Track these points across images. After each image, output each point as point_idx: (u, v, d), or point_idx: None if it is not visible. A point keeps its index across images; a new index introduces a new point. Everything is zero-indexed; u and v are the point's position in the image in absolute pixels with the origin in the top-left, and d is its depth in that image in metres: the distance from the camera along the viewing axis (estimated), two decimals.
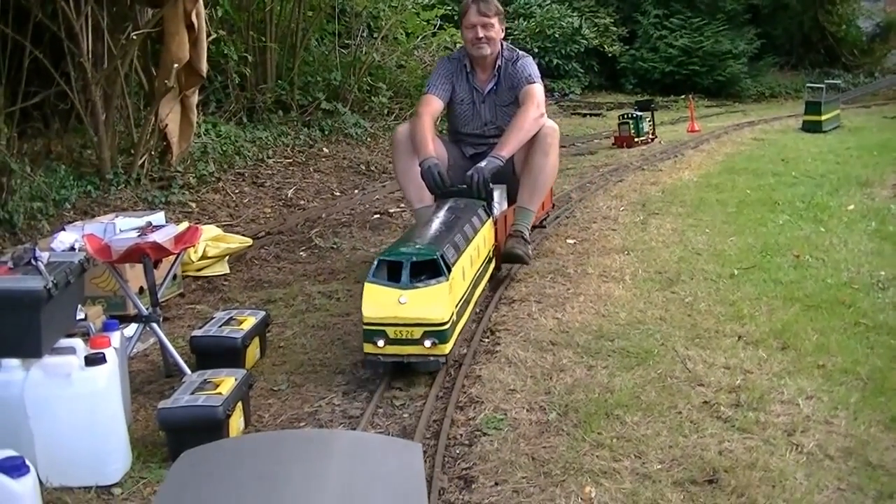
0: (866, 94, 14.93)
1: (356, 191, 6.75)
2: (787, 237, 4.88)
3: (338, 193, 6.67)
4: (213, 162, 6.32)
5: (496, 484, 2.42)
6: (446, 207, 3.79)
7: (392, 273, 3.12)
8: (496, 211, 4.16)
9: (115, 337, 2.69)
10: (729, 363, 3.14)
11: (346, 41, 9.23)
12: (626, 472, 2.44)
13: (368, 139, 8.25)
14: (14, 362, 2.47)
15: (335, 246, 5.08)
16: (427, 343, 3.01)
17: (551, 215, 5.37)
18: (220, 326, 3.23)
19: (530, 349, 3.33)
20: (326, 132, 7.99)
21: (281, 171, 6.86)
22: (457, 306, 3.18)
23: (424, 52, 10.12)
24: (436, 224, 3.57)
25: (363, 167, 7.45)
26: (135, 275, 3.58)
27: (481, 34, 4.27)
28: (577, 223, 5.37)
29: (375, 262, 3.16)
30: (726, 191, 6.27)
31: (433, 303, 3.03)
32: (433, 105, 4.34)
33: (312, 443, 1.48)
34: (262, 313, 3.43)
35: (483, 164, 3.97)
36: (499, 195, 4.26)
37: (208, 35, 5.86)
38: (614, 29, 15.10)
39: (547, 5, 14.51)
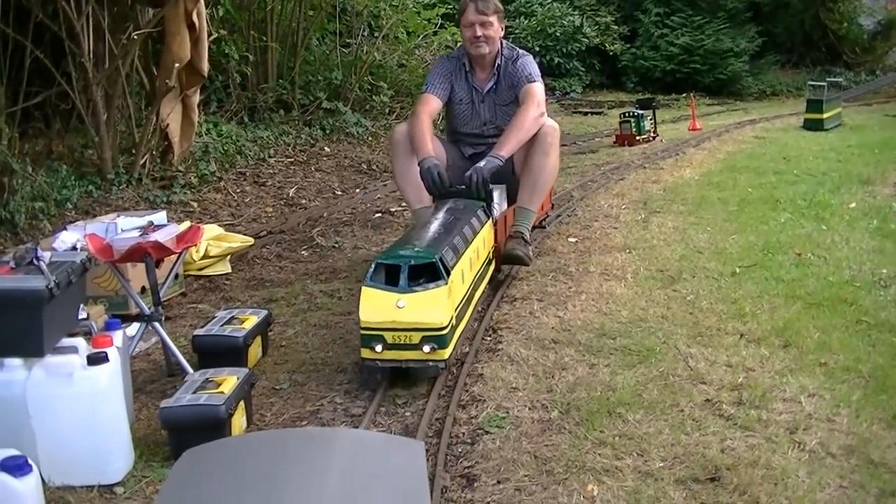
0: (868, 91, 14.93)
1: (357, 190, 6.75)
2: (789, 235, 4.87)
3: (339, 192, 6.68)
4: (215, 161, 6.33)
5: (498, 482, 2.42)
6: (445, 208, 3.75)
7: (390, 276, 3.06)
8: (496, 212, 4.12)
9: (117, 336, 2.69)
10: (731, 361, 3.14)
11: (348, 40, 9.23)
12: (628, 470, 2.44)
13: (370, 138, 8.25)
14: (16, 362, 2.47)
15: (337, 245, 5.08)
16: (426, 348, 2.96)
17: (552, 214, 5.37)
18: (222, 325, 3.23)
19: (532, 347, 3.33)
20: (328, 131, 7.99)
21: (282, 171, 6.86)
22: (456, 310, 3.13)
23: (425, 51, 10.13)
24: (434, 226, 3.52)
25: (364, 166, 7.45)
26: (137, 274, 3.58)
27: (480, 33, 4.23)
28: (578, 221, 5.36)
29: (373, 266, 3.11)
30: (728, 189, 6.27)
31: (432, 307, 2.98)
32: (432, 104, 4.30)
33: (314, 441, 1.48)
34: (264, 312, 3.43)
35: (482, 163, 3.92)
36: (498, 195, 4.21)
37: (209, 34, 5.86)
38: (615, 27, 15.10)
39: (548, 4, 14.51)
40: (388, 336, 2.97)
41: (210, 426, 2.51)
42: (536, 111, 4.15)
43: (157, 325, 3.14)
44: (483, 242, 3.74)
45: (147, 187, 5.63)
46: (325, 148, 7.70)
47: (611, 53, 14.81)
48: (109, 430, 2.48)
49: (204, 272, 4.45)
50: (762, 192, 6.11)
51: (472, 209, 3.78)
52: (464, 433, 2.72)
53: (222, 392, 2.62)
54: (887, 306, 3.68)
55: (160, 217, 3.89)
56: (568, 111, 12.42)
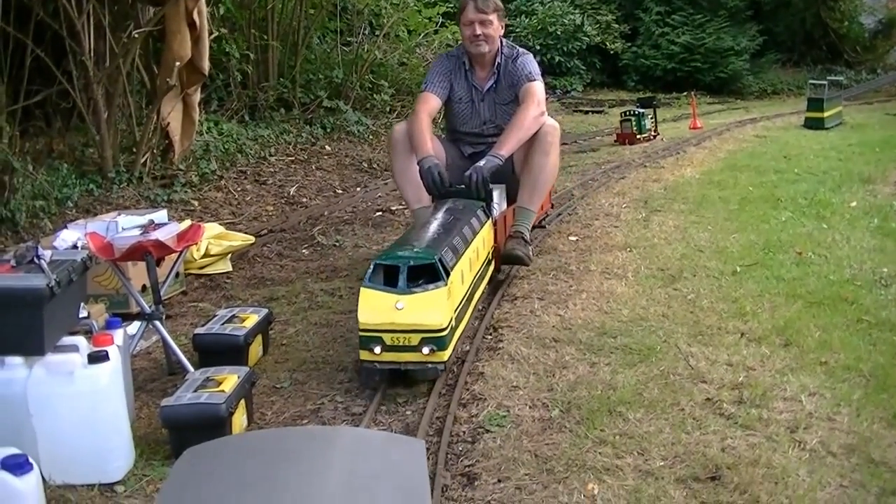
0: (868, 90, 14.94)
1: (358, 188, 6.75)
2: (790, 234, 4.87)
3: (340, 191, 6.68)
4: (216, 160, 6.33)
5: (499, 481, 2.42)
6: (444, 208, 3.71)
7: (389, 277, 3.03)
8: (495, 211, 4.08)
9: (118, 335, 2.69)
10: (731, 360, 3.14)
11: (348, 39, 9.23)
12: (628, 468, 2.44)
13: (370, 137, 8.25)
14: (17, 360, 2.47)
15: (337, 243, 5.08)
16: (425, 350, 2.92)
17: (553, 213, 5.37)
18: (223, 324, 3.23)
19: (533, 346, 3.33)
20: (328, 130, 7.99)
21: (283, 169, 6.86)
22: (455, 312, 3.09)
23: (426, 49, 10.13)
24: (434, 226, 3.48)
25: (365, 165, 7.45)
26: (137, 273, 3.58)
27: (479, 31, 4.19)
28: (579, 220, 5.36)
29: (371, 266, 3.07)
30: (728, 188, 6.27)
31: (431, 308, 2.94)
32: (431, 103, 4.27)
33: (315, 440, 1.48)
34: (265, 311, 3.43)
35: (482, 163, 3.89)
36: (498, 195, 4.18)
37: (210, 33, 5.86)
38: (616, 26, 15.10)
39: (549, 2, 14.51)
40: (387, 338, 2.94)
41: (211, 425, 2.51)
42: (536, 110, 4.12)
43: (157, 323, 3.14)
44: (482, 243, 3.72)
45: (148, 186, 5.64)
46: (326, 146, 7.70)
47: (611, 52, 14.81)
48: (110, 429, 2.48)
49: (205, 271, 4.45)
50: (763, 191, 6.11)
51: (472, 209, 3.75)
52: (464, 432, 2.72)
53: (223, 391, 2.63)
54: (888, 305, 3.68)
55: (161, 215, 3.89)
56: (569, 110, 12.42)
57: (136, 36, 5.51)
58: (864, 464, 2.45)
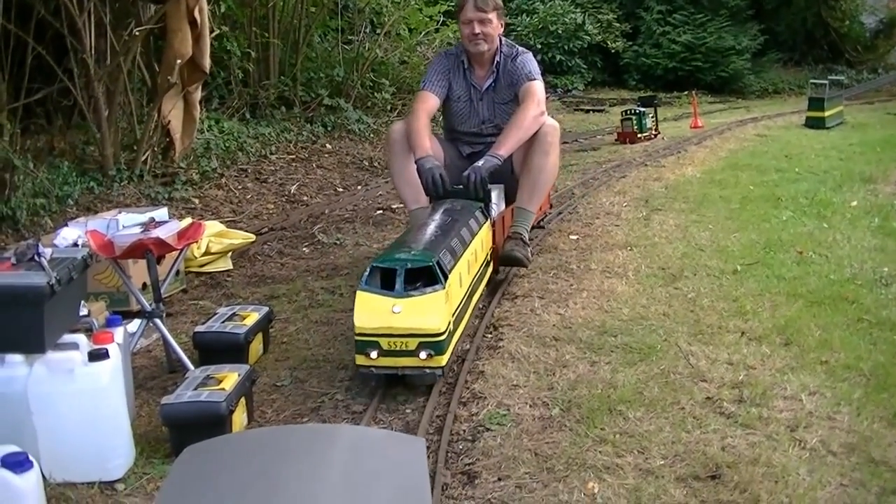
0: (870, 90, 14.94)
1: (359, 187, 6.75)
2: (791, 233, 4.87)
3: (340, 189, 6.68)
4: (216, 158, 6.33)
5: (499, 479, 2.42)
6: (442, 209, 3.65)
7: (385, 280, 2.99)
8: (494, 212, 4.03)
9: (119, 333, 2.69)
10: (732, 359, 3.14)
11: (349, 37, 9.23)
12: (628, 467, 2.44)
13: (371, 135, 8.25)
14: (17, 358, 2.47)
15: (338, 242, 5.08)
16: (422, 355, 2.87)
17: (554, 212, 5.36)
18: (224, 322, 3.23)
19: (533, 345, 3.33)
20: (329, 128, 7.99)
21: (284, 168, 6.86)
22: (453, 315, 3.04)
23: (427, 48, 10.13)
24: (431, 227, 3.42)
25: (366, 163, 7.45)
26: (138, 271, 3.58)
27: (478, 30, 4.15)
28: (579, 219, 5.36)
29: (368, 269, 3.02)
30: (729, 187, 6.26)
31: (429, 312, 2.89)
32: (429, 102, 4.22)
33: (315, 438, 1.48)
34: (265, 309, 3.43)
35: (480, 163, 3.84)
36: (496, 196, 4.13)
37: (211, 31, 5.86)
38: (617, 25, 15.11)
39: (550, 1, 14.51)
40: (384, 342, 2.89)
41: (211, 423, 2.51)
42: (536, 110, 4.08)
43: (158, 321, 3.14)
44: (481, 244, 3.67)
45: (148, 184, 5.64)
46: (327, 145, 7.70)
47: (613, 51, 14.81)
48: (110, 427, 2.48)
49: (205, 269, 4.45)
50: (764, 191, 6.11)
51: (470, 210, 3.70)
52: (465, 430, 2.72)
53: (223, 389, 2.63)
54: (888, 305, 3.68)
55: (161, 213, 3.89)
56: (570, 109, 12.42)
57: (137, 34, 5.51)
58: (864, 463, 2.45)
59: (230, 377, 2.70)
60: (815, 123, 9.98)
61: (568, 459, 2.49)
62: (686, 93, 13.49)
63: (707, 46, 14.60)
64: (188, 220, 3.95)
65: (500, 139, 3.98)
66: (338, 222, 5.56)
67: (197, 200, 5.74)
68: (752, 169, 7.05)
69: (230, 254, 4.59)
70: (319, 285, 4.22)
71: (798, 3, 16.39)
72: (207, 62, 5.68)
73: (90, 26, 5.42)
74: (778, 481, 2.35)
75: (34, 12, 5.34)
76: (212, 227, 4.56)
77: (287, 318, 3.78)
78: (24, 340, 2.43)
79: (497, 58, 4.28)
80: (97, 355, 2.44)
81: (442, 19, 10.11)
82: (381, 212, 5.83)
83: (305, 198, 6.32)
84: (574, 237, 4.89)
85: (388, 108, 9.03)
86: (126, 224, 3.55)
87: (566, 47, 14.22)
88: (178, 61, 5.42)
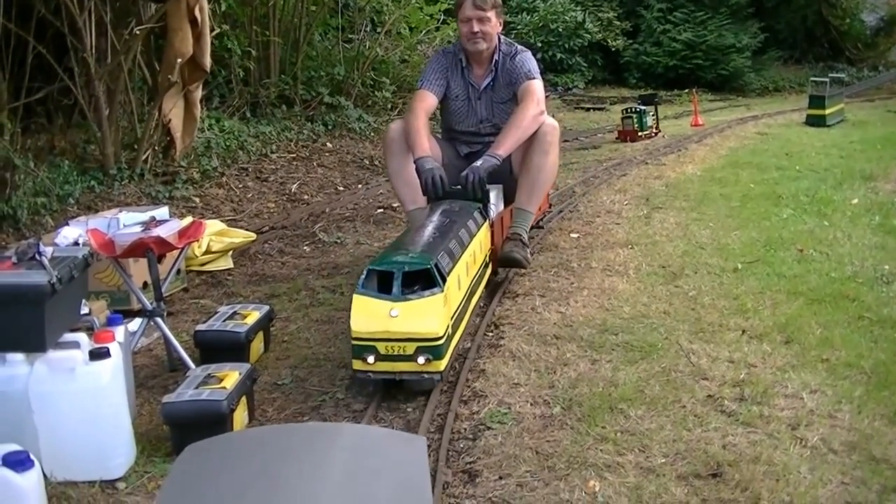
0: (870, 88, 14.95)
1: (360, 185, 6.75)
2: (791, 231, 4.87)
3: (341, 188, 6.68)
4: (217, 157, 6.33)
5: (500, 478, 2.42)
6: (440, 210, 3.60)
7: (383, 284, 2.93)
8: (492, 213, 3.99)
9: (119, 331, 2.69)
10: (733, 357, 3.14)
11: (350, 36, 9.24)
12: (629, 466, 2.44)
13: (372, 134, 8.25)
14: (18, 357, 2.47)
15: (339, 240, 5.08)
16: (420, 359, 2.83)
17: (554, 210, 5.36)
18: (224, 321, 3.23)
19: (534, 343, 3.33)
20: (330, 127, 7.99)
21: (284, 166, 6.86)
22: (452, 319, 2.99)
23: (428, 46, 10.13)
24: (429, 229, 3.36)
25: (366, 162, 7.45)
26: (139, 270, 3.58)
27: (476, 28, 4.11)
28: (580, 217, 5.36)
29: (365, 272, 2.95)
30: (730, 185, 6.26)
31: (427, 316, 2.84)
32: (427, 101, 4.17)
33: (316, 437, 1.48)
34: (266, 308, 3.43)
35: (479, 163, 3.79)
36: (495, 196, 4.08)
37: (211, 30, 5.86)
38: (618, 23, 15.11)
39: None
40: (381, 346, 2.84)
41: (212, 421, 2.51)
42: (536, 109, 4.03)
43: (159, 320, 3.14)
44: (480, 246, 3.62)
45: (149, 183, 5.64)
46: (328, 143, 7.70)
47: (613, 49, 14.81)
48: (111, 426, 2.48)
49: (206, 267, 4.45)
50: (764, 189, 6.11)
51: (469, 211, 3.65)
52: (465, 429, 2.72)
53: (224, 387, 2.63)
54: (889, 303, 3.68)
55: (162, 212, 3.89)
56: (570, 107, 12.42)
57: (138, 33, 5.51)
58: (865, 461, 2.45)
59: (231, 376, 2.70)
60: (815, 121, 9.98)
61: (569, 458, 2.49)
62: (686, 91, 13.50)
63: (707, 44, 14.60)
64: (189, 219, 3.94)
65: (498, 139, 3.93)
66: (338, 221, 5.56)
67: (198, 199, 5.74)
68: (752, 167, 7.05)
69: (231, 252, 4.59)
70: (320, 284, 4.22)
71: (798, 1, 16.40)
72: (208, 61, 5.68)
73: (91, 25, 5.42)
74: (779, 479, 2.35)
75: (35, 11, 5.34)
76: (212, 225, 4.55)
77: (288, 317, 3.78)
78: (25, 339, 2.43)
79: (496, 56, 4.24)
80: (98, 354, 2.44)
81: (442, 18, 10.11)
82: (381, 210, 5.83)
83: (306, 196, 6.32)
84: (575, 235, 4.89)
85: (389, 106, 9.03)
86: (127, 223, 3.55)
87: (566, 45, 14.22)
88: (179, 60, 5.43)
